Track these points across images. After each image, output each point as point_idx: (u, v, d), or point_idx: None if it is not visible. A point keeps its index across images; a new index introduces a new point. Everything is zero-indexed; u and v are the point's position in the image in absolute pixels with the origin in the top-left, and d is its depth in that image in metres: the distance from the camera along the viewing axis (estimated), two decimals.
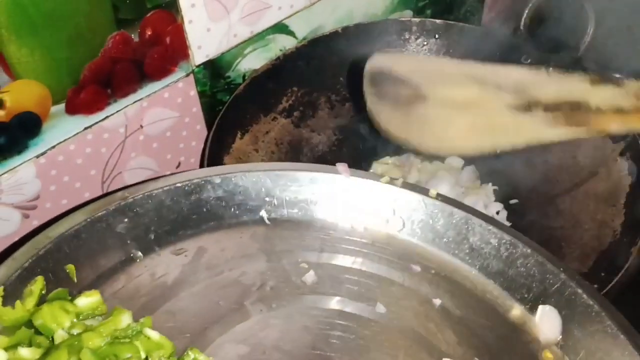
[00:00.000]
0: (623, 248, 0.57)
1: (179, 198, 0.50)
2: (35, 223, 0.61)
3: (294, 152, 0.73)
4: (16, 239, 0.60)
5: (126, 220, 0.48)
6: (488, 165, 0.70)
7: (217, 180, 0.52)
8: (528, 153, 0.67)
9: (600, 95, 0.45)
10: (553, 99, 0.46)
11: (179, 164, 0.71)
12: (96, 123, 0.60)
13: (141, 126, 0.63)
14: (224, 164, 0.64)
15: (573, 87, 0.46)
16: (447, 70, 0.51)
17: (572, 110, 0.45)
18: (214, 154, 0.62)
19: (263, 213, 0.53)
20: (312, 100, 0.75)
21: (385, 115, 0.51)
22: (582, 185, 0.65)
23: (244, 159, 0.67)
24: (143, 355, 0.38)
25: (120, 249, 0.47)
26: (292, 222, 0.53)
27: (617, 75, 0.47)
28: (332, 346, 0.44)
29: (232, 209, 0.52)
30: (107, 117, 0.60)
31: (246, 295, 0.47)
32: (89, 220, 0.46)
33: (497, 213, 0.69)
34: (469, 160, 0.71)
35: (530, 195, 0.68)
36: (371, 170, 0.74)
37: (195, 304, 0.46)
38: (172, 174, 0.52)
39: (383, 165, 0.74)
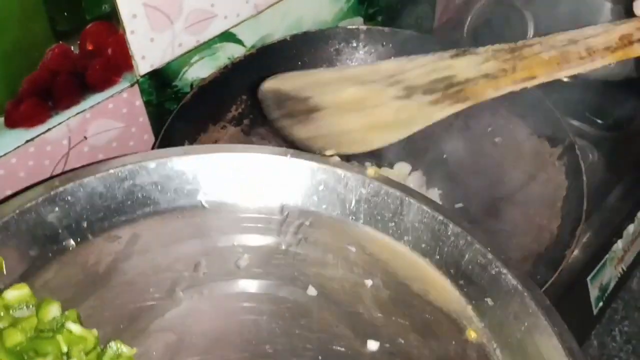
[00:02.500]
0: (558, 251, 0.57)
1: (113, 184, 0.50)
2: None
3: None
4: None
5: (57, 209, 0.48)
6: (435, 171, 0.71)
7: (152, 165, 0.51)
8: (473, 158, 0.69)
9: (464, 66, 0.47)
10: (427, 81, 0.48)
11: None
12: (38, 136, 0.58)
13: (85, 137, 0.62)
14: None
15: (437, 66, 0.48)
16: (327, 78, 0.54)
17: (446, 88, 0.48)
18: None
19: (200, 197, 0.53)
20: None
21: (295, 129, 0.55)
22: (522, 190, 0.65)
23: None
24: (65, 349, 0.39)
25: (52, 238, 0.47)
26: (229, 205, 0.53)
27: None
28: (259, 333, 0.45)
29: (168, 194, 0.52)
30: (49, 129, 0.59)
31: (178, 282, 0.47)
32: (17, 211, 0.46)
33: None
34: (416, 165, 0.72)
35: (474, 200, 0.68)
36: None
37: (126, 292, 0.46)
38: (106, 159, 0.51)
39: None
